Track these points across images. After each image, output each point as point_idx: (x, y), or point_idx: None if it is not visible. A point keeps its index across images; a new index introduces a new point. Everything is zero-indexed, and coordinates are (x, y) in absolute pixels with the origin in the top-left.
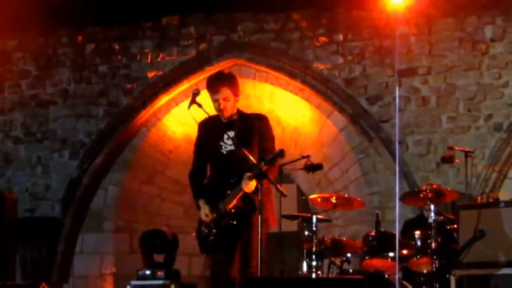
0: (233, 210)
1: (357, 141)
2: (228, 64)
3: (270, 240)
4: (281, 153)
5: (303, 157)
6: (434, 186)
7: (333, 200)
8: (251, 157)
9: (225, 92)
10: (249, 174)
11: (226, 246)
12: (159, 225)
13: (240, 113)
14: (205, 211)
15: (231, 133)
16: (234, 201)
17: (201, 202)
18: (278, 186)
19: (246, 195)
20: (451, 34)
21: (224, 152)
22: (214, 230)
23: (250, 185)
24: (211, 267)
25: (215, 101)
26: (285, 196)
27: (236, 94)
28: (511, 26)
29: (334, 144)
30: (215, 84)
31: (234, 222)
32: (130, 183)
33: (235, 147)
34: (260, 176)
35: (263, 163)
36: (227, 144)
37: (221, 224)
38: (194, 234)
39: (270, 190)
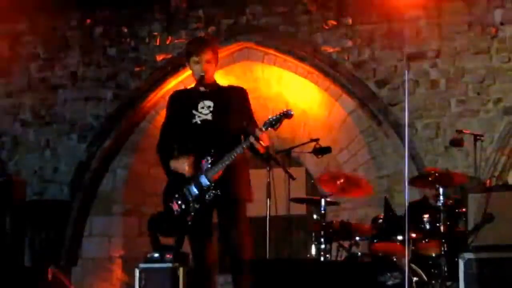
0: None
1: (365, 125)
2: (237, 47)
3: (279, 223)
4: (288, 114)
5: (312, 140)
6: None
7: None
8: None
9: (209, 54)
10: (260, 128)
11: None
12: None
13: (217, 84)
14: (187, 163)
15: (208, 102)
16: (221, 172)
17: (175, 159)
18: (287, 169)
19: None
20: (460, 17)
21: (198, 122)
22: (196, 206)
23: (265, 137)
24: (193, 249)
25: (196, 63)
26: (294, 179)
27: (216, 60)
28: None
29: (343, 127)
30: (199, 45)
31: (219, 192)
32: (138, 166)
33: (213, 116)
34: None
35: (263, 127)
36: (202, 114)
37: (205, 198)
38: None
39: (246, 158)
